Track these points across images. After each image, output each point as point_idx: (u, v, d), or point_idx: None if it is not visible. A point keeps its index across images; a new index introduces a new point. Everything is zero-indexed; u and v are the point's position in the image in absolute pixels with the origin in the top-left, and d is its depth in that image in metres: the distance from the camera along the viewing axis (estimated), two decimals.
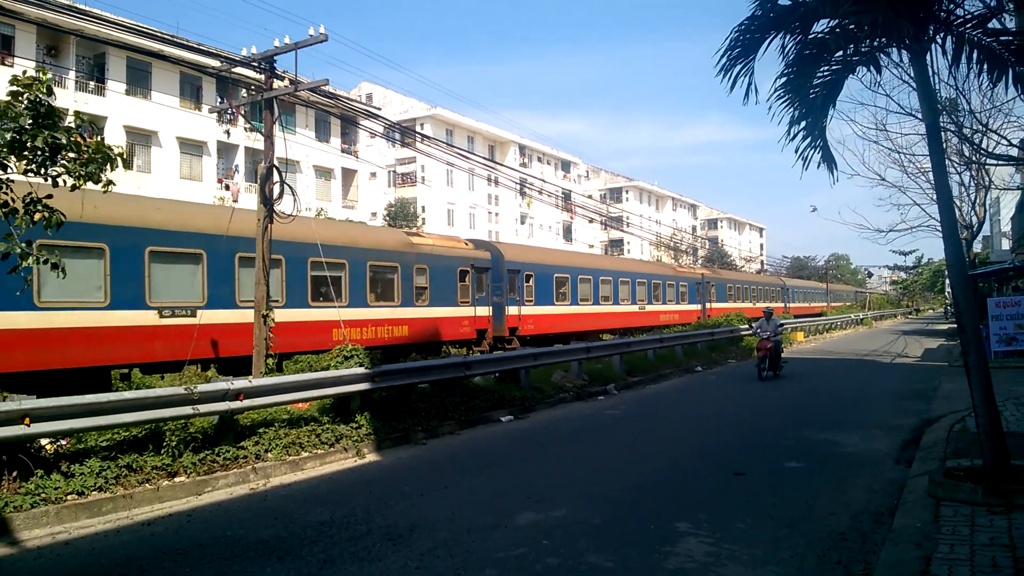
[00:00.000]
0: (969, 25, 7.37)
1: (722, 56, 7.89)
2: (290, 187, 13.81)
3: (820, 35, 7.82)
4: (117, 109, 35.71)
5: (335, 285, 17.46)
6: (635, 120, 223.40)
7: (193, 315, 14.68)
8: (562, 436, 11.99)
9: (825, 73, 8.02)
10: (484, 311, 23.88)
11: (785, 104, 8.01)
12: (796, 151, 8.18)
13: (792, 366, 21.21)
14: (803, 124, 8.11)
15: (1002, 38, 7.40)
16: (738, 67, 7.88)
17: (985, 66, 7.33)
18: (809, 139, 8.17)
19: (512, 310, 25.34)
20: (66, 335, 12.82)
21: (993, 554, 5.33)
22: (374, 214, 53.33)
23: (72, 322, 12.94)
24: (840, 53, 7.81)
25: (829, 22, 7.66)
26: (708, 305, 41.97)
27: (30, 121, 6.70)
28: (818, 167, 8.34)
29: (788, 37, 7.80)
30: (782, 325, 14.55)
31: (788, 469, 9.16)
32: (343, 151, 48.06)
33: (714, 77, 8.60)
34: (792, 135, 8.15)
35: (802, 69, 7.92)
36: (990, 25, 7.55)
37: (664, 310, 37.07)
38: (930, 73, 7.60)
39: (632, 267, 38.12)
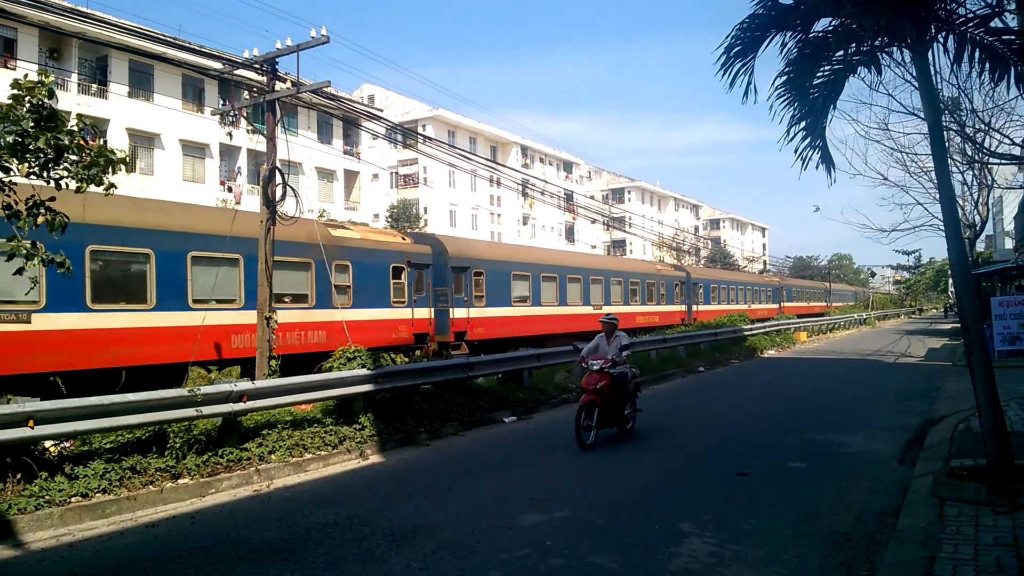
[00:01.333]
0: (971, 24, 7.36)
1: (723, 54, 7.90)
2: (292, 189, 13.84)
3: (821, 34, 7.81)
4: (119, 111, 35.77)
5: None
6: (637, 120, 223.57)
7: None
8: (565, 437, 11.93)
9: (826, 72, 8.01)
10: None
11: (785, 103, 8.01)
12: (795, 151, 8.17)
13: (794, 366, 21.18)
14: (803, 124, 8.09)
15: (1004, 37, 7.39)
16: (738, 65, 7.88)
17: (987, 65, 7.32)
18: (808, 139, 8.15)
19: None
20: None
21: (997, 554, 5.32)
22: (376, 215, 53.37)
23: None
24: (841, 53, 7.80)
25: (831, 21, 7.66)
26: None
27: (32, 124, 6.72)
28: (817, 167, 8.31)
29: (789, 36, 7.80)
30: (628, 347, 11.17)
31: (791, 469, 9.15)
32: (345, 153, 48.11)
33: (714, 75, 8.60)
34: (792, 135, 8.15)
35: (802, 68, 7.91)
36: (992, 24, 7.54)
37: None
38: (932, 72, 7.59)
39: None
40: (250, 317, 14.73)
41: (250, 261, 15.12)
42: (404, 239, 21.73)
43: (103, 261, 13.61)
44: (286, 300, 16.48)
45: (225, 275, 15.59)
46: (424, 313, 20.93)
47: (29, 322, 12.34)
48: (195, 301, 14.85)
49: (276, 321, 13.74)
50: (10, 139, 6.61)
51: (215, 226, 15.43)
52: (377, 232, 22.51)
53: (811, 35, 7.82)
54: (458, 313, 22.14)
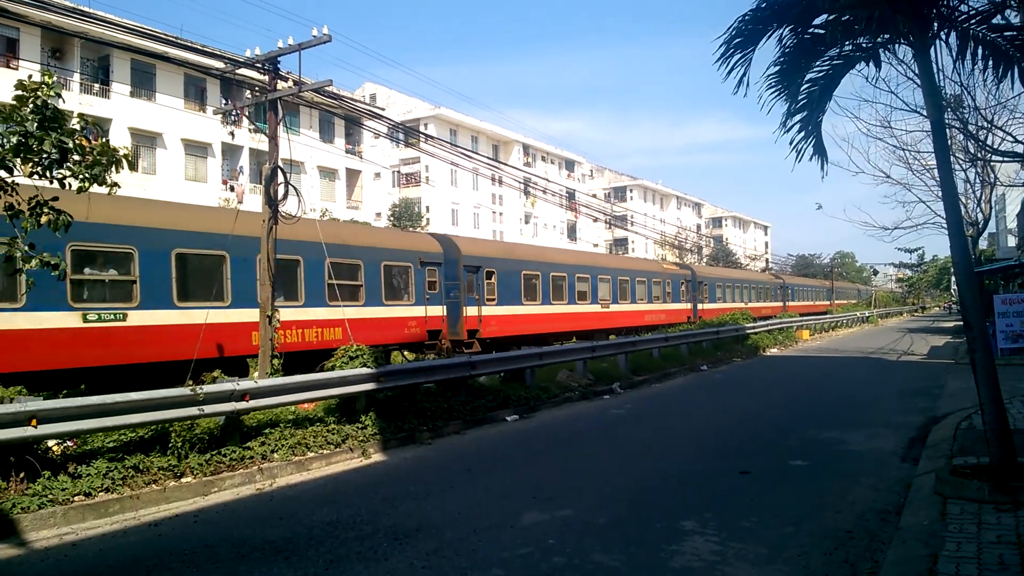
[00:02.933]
0: (973, 21, 7.35)
1: (723, 44, 7.90)
2: (295, 188, 13.83)
3: (820, 26, 7.82)
4: (121, 111, 35.80)
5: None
6: (639, 119, 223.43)
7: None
8: (567, 435, 11.98)
9: (825, 67, 8.02)
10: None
11: (774, 94, 8.05)
12: (791, 143, 8.22)
13: (796, 364, 21.19)
14: (798, 118, 8.14)
15: (1006, 34, 7.38)
16: (736, 57, 7.89)
17: (991, 62, 7.31)
18: (803, 132, 8.19)
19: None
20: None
21: (1000, 552, 5.32)
22: (378, 214, 53.38)
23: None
24: (836, 49, 7.82)
25: (828, 16, 7.66)
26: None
27: (36, 125, 6.73)
28: (811, 159, 8.40)
29: (787, 30, 7.81)
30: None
31: (794, 467, 9.14)
32: (347, 152, 48.14)
33: (712, 63, 8.63)
34: (787, 127, 8.18)
35: (798, 62, 7.93)
36: (994, 21, 7.53)
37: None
38: (934, 69, 7.58)
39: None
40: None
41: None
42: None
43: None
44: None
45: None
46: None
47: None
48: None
49: (278, 320, 13.74)
50: (14, 140, 6.62)
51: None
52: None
53: (809, 30, 7.82)
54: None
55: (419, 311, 20.38)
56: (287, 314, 15.30)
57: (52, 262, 6.87)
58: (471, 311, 22.38)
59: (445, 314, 21.36)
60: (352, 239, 19.06)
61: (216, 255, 15.10)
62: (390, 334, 19.36)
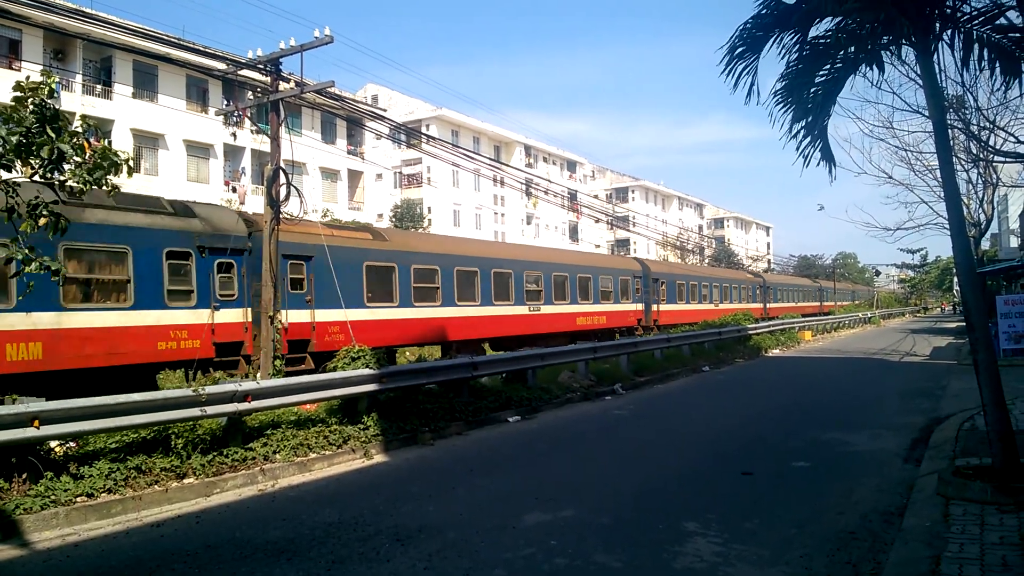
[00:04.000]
0: (976, 22, 7.33)
1: (726, 54, 7.89)
2: (296, 188, 13.85)
3: (823, 34, 7.81)
4: (124, 112, 35.83)
5: None
6: (641, 120, 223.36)
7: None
8: (569, 436, 11.98)
9: (828, 71, 8.01)
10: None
11: (783, 108, 8.03)
12: (797, 149, 8.19)
13: (798, 365, 21.16)
14: (804, 123, 8.11)
15: (1011, 35, 7.36)
16: (741, 66, 7.88)
17: (998, 65, 7.29)
18: (809, 138, 8.17)
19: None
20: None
21: (1003, 553, 5.31)
22: (380, 215, 53.41)
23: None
24: (842, 52, 7.80)
25: (832, 20, 7.65)
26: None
27: (36, 125, 6.73)
28: (818, 165, 8.37)
29: (790, 36, 7.79)
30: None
31: (796, 469, 9.13)
32: (349, 153, 48.17)
33: (718, 76, 8.63)
34: (793, 133, 8.16)
35: (803, 68, 7.91)
36: (999, 22, 7.51)
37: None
38: (937, 70, 7.56)
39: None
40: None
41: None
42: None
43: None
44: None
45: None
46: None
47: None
48: None
49: (281, 321, 13.75)
50: (14, 140, 6.62)
51: None
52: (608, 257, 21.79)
53: (812, 35, 7.82)
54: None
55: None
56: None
57: (53, 267, 6.87)
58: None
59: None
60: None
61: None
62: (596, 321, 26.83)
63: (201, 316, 14.60)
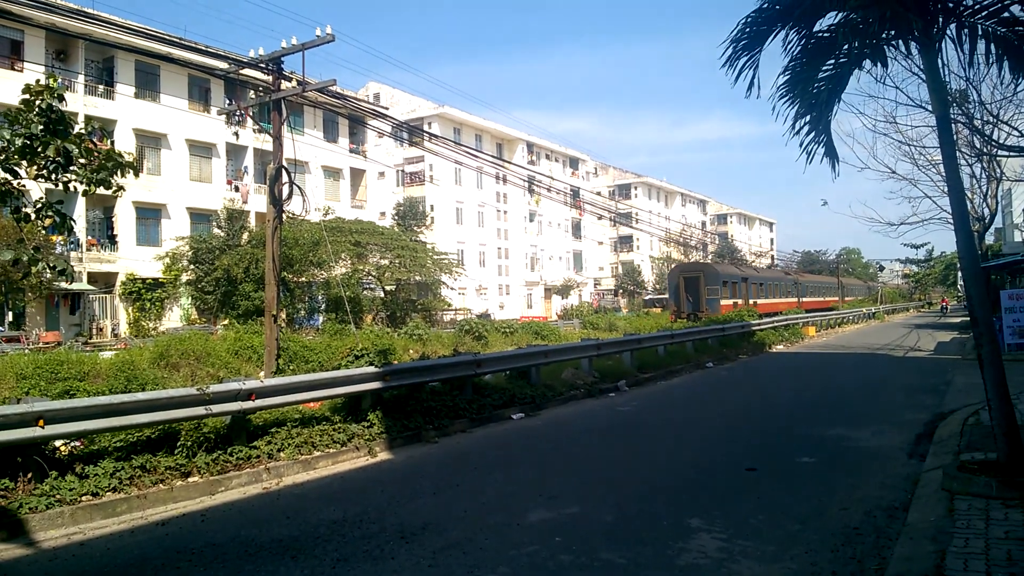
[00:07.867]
0: (980, 16, 7.30)
1: (728, 47, 7.86)
2: (299, 187, 13.86)
3: (826, 28, 7.78)
4: (126, 112, 35.91)
5: None
6: (643, 117, 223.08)
7: None
8: (573, 433, 11.98)
9: (831, 67, 7.97)
10: None
11: (787, 102, 8.00)
12: (800, 145, 8.16)
13: (802, 361, 21.13)
14: (807, 118, 8.08)
15: (1017, 28, 7.31)
16: (743, 59, 7.85)
17: (1006, 61, 7.25)
18: (813, 134, 8.14)
19: None
20: None
21: (1008, 548, 5.30)
22: (383, 213, 53.42)
23: None
24: (846, 47, 7.77)
25: (836, 15, 7.62)
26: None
27: (41, 127, 6.75)
28: (821, 161, 8.33)
29: (793, 31, 7.76)
30: None
31: (800, 464, 9.12)
32: (351, 151, 48.20)
33: (719, 68, 8.57)
34: (797, 129, 8.13)
35: (807, 63, 7.88)
36: (1004, 15, 7.46)
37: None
38: (940, 64, 7.53)
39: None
40: None
41: None
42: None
43: None
44: None
45: None
46: None
47: None
48: None
49: (283, 320, 13.77)
50: (19, 142, 6.65)
51: None
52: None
53: (815, 30, 7.78)
54: None
55: None
56: None
57: (60, 267, 6.90)
58: None
59: None
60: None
61: None
62: None
63: None
